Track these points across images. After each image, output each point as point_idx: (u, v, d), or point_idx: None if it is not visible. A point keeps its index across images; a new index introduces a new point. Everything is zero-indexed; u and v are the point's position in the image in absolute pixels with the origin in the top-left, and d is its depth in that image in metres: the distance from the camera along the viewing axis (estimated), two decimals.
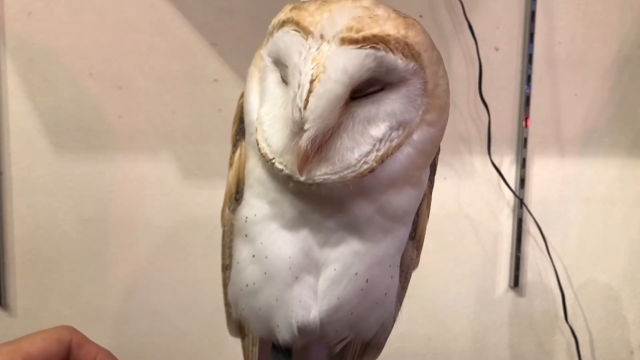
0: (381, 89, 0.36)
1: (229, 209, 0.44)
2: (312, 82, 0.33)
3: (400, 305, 0.47)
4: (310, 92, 0.33)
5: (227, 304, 0.48)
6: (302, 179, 0.35)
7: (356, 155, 0.36)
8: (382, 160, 0.36)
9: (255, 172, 0.40)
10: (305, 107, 0.33)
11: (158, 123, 0.98)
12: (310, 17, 0.35)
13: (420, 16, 1.04)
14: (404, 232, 0.41)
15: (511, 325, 1.14)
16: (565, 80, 1.09)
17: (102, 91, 0.97)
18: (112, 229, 0.99)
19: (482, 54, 1.04)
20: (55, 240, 0.98)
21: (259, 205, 0.40)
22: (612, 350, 1.18)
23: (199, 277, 1.00)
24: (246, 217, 0.41)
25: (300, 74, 0.33)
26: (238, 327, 0.50)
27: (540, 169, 1.11)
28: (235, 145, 0.44)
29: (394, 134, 0.36)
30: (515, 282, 1.11)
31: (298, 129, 0.34)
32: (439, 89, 0.37)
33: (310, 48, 0.34)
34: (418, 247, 0.47)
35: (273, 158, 0.37)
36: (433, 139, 0.38)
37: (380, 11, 0.35)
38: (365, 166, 0.36)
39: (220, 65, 0.98)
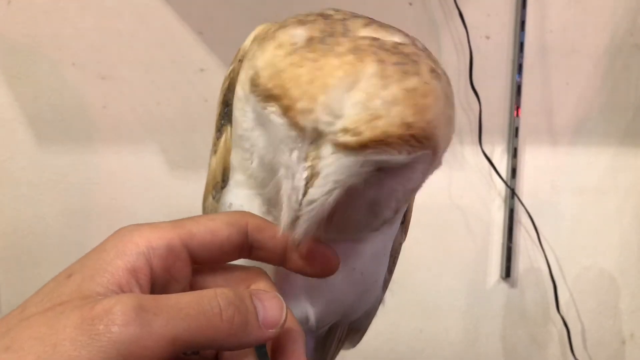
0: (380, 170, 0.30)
1: (214, 198, 0.42)
2: (306, 185, 0.29)
3: (386, 289, 0.47)
4: (304, 195, 0.29)
5: None
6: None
7: (359, 235, 0.35)
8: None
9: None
10: (300, 210, 0.29)
11: (143, 114, 0.96)
12: (301, 101, 0.28)
13: (410, 4, 1.02)
14: (398, 224, 0.41)
15: (503, 316, 1.14)
16: (557, 68, 1.08)
17: (84, 81, 0.95)
18: (96, 221, 0.97)
19: (473, 42, 1.03)
20: (38, 233, 0.96)
21: (240, 193, 0.38)
22: (604, 340, 1.17)
23: None
24: (230, 203, 0.39)
25: (294, 178, 0.29)
26: None
27: (532, 159, 1.09)
28: (219, 130, 0.42)
29: (402, 203, 0.34)
30: (507, 273, 1.10)
31: (289, 227, 0.31)
32: (446, 150, 0.33)
33: (302, 144, 0.29)
34: (405, 230, 0.46)
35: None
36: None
37: (387, 90, 0.27)
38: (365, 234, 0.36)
39: (206, 54, 0.96)
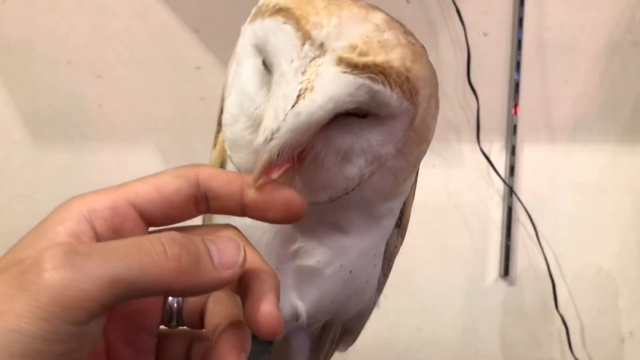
0: (363, 116, 0.32)
1: None
2: (298, 96, 0.29)
3: (381, 291, 0.47)
4: (292, 106, 0.29)
5: None
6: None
7: (325, 195, 0.33)
8: (347, 193, 0.34)
9: None
10: (284, 120, 0.29)
11: (139, 112, 0.96)
12: (316, 16, 0.30)
13: (408, 1, 1.02)
14: (390, 222, 0.40)
15: (502, 314, 1.14)
16: (555, 66, 1.08)
17: (81, 80, 0.95)
18: None
19: (471, 39, 1.02)
20: None
21: None
22: (603, 338, 1.17)
23: None
24: None
25: (288, 85, 0.29)
26: None
27: (530, 157, 1.09)
28: (220, 124, 0.43)
29: (366, 169, 0.33)
30: (506, 271, 1.10)
31: (268, 137, 0.30)
32: (425, 123, 0.34)
33: (304, 57, 0.29)
34: (402, 234, 0.45)
35: (230, 156, 0.35)
36: (408, 166, 0.35)
37: (391, 35, 0.30)
38: (333, 198, 0.34)
39: (202, 52, 0.96)
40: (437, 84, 0.34)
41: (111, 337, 0.31)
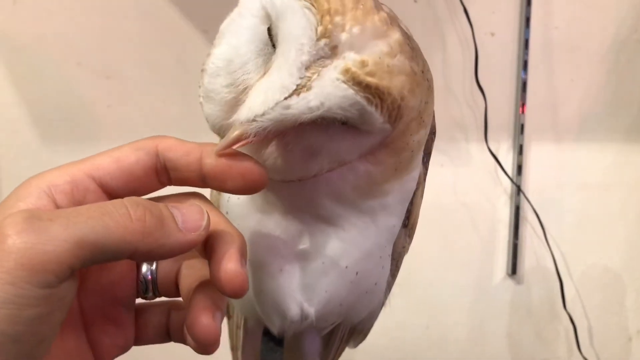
0: (343, 123, 0.31)
1: (216, 192, 0.43)
2: (294, 90, 0.28)
3: (390, 291, 0.47)
4: (285, 99, 0.29)
5: None
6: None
7: (278, 177, 0.33)
8: (300, 180, 0.34)
9: None
10: (272, 108, 0.29)
11: (148, 113, 0.96)
12: (341, 18, 0.28)
13: (415, 1, 1.02)
14: (393, 223, 0.40)
15: (509, 313, 1.14)
16: (562, 65, 1.08)
17: (90, 81, 0.95)
18: None
19: (478, 39, 1.03)
20: None
21: None
22: (610, 337, 1.17)
23: None
24: (228, 198, 0.39)
25: (289, 77, 0.29)
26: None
27: (538, 156, 1.09)
28: None
29: (326, 167, 0.33)
30: (513, 269, 1.10)
31: (250, 118, 0.29)
32: (402, 140, 0.34)
33: (315, 54, 0.28)
34: (410, 235, 0.45)
35: (202, 104, 0.34)
36: (380, 171, 0.35)
37: (399, 61, 0.30)
38: (285, 180, 0.34)
39: None
40: (427, 107, 0.34)
41: (88, 313, 0.31)
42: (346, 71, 0.28)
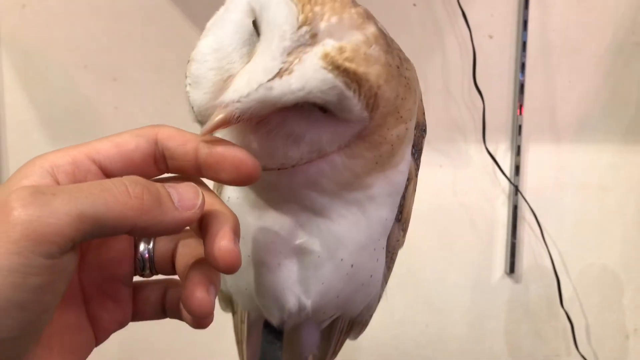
0: (324, 111, 0.33)
1: (217, 190, 0.45)
2: (276, 73, 0.30)
3: (386, 283, 0.48)
4: (268, 81, 0.30)
5: None
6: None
7: (261, 162, 0.33)
8: (279, 169, 0.35)
9: None
10: (255, 90, 0.30)
11: (153, 113, 0.98)
12: (321, 8, 0.31)
13: (414, 4, 1.04)
14: (385, 215, 0.41)
15: (507, 311, 1.15)
16: (560, 67, 1.10)
17: (96, 83, 0.98)
18: None
19: (476, 42, 1.04)
20: None
21: (238, 187, 0.41)
22: (607, 335, 1.19)
23: None
24: (228, 197, 0.41)
25: (272, 60, 0.30)
26: (228, 303, 0.51)
27: (535, 156, 1.11)
28: None
29: (306, 156, 0.34)
30: (511, 268, 1.12)
31: (234, 99, 0.31)
32: (379, 135, 0.36)
33: (297, 40, 0.30)
34: (404, 229, 0.47)
35: (189, 92, 0.35)
36: (353, 167, 0.36)
37: (375, 51, 0.32)
38: (266, 168, 0.34)
39: None
40: (404, 102, 0.36)
41: (88, 289, 0.32)
42: (325, 56, 0.30)
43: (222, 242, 0.29)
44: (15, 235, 0.24)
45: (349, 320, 0.49)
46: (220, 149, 0.31)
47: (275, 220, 0.39)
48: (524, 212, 1.11)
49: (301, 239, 0.39)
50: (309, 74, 0.30)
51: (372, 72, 0.31)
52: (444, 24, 1.05)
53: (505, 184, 1.11)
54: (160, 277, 0.35)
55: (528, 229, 1.12)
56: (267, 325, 0.47)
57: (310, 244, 0.40)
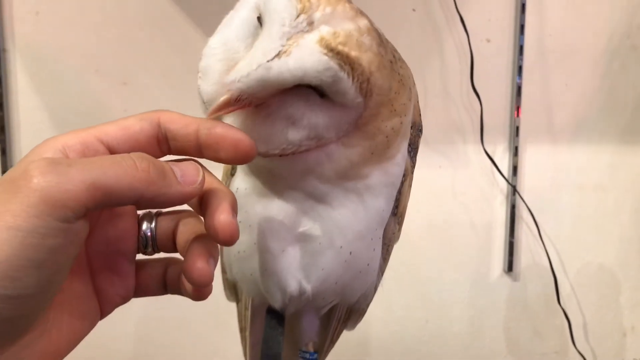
0: (321, 95, 0.35)
1: (225, 183, 0.48)
2: (275, 55, 0.32)
3: (382, 274, 0.51)
4: (267, 61, 0.33)
5: (223, 270, 0.52)
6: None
7: (263, 147, 0.36)
8: (280, 155, 0.37)
9: None
10: (255, 69, 0.33)
11: None
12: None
13: (414, 10, 1.07)
14: (382, 207, 0.44)
15: (506, 308, 1.18)
16: (556, 70, 1.12)
17: (107, 87, 1.01)
18: None
19: (474, 45, 1.07)
20: None
21: (246, 179, 0.44)
22: (605, 332, 1.21)
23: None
24: (237, 188, 0.44)
25: (271, 43, 0.33)
26: (233, 291, 0.54)
27: (533, 157, 1.14)
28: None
29: (305, 142, 0.37)
30: (510, 267, 1.15)
31: (236, 78, 0.33)
32: (373, 125, 0.38)
33: (295, 27, 0.33)
34: (400, 222, 0.50)
35: (199, 85, 0.38)
36: (350, 156, 0.39)
37: (367, 40, 0.35)
38: (269, 153, 0.37)
39: None
40: (398, 97, 0.39)
41: (95, 263, 0.35)
42: (321, 39, 0.33)
43: (222, 216, 0.32)
44: (34, 200, 0.26)
45: (346, 309, 0.52)
46: (219, 130, 0.33)
47: (280, 209, 0.42)
48: (522, 212, 1.14)
49: (304, 226, 0.42)
50: (305, 56, 0.32)
51: (364, 57, 0.34)
52: (443, 29, 1.08)
53: (503, 184, 1.13)
54: (162, 255, 0.38)
55: (526, 228, 1.15)
56: (269, 311, 0.50)
57: (313, 231, 0.42)
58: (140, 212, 0.37)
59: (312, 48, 0.33)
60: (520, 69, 1.10)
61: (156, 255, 0.38)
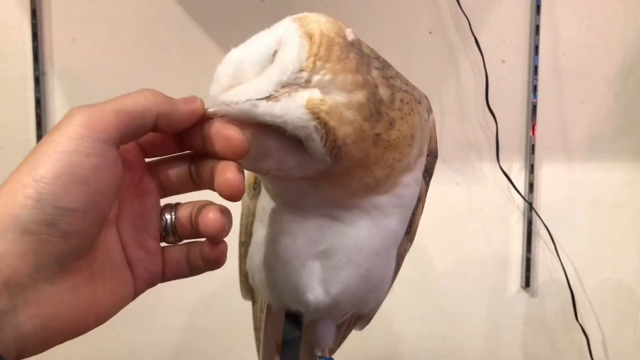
0: (296, 140, 0.38)
1: (248, 196, 0.52)
2: (267, 97, 0.36)
3: (392, 284, 0.54)
4: (257, 99, 0.36)
5: (242, 274, 0.56)
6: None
7: (245, 163, 0.39)
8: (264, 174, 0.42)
9: None
10: (244, 101, 0.36)
11: None
12: (322, 63, 0.36)
13: (430, 32, 1.11)
14: (395, 227, 0.47)
15: (524, 324, 1.19)
16: (571, 89, 1.15)
17: None
18: None
19: (489, 66, 1.10)
20: None
21: (270, 199, 0.48)
22: (624, 349, 1.21)
23: (226, 274, 1.07)
24: (263, 207, 0.49)
25: (268, 85, 0.36)
26: (250, 293, 0.58)
27: (549, 174, 1.16)
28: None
29: (273, 173, 0.40)
30: (527, 282, 1.16)
31: (226, 101, 0.36)
32: (343, 180, 0.41)
33: (295, 79, 0.36)
34: (411, 239, 0.53)
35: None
36: (330, 194, 0.43)
37: (352, 114, 0.37)
38: (247, 169, 0.40)
39: None
40: (380, 161, 0.41)
41: (124, 238, 0.38)
42: (309, 100, 0.36)
43: (229, 174, 0.36)
44: (77, 128, 0.32)
45: (356, 316, 0.56)
46: (215, 125, 0.37)
47: (301, 227, 0.46)
48: (539, 228, 1.16)
49: (324, 244, 0.46)
50: (291, 108, 0.36)
51: (342, 130, 0.37)
52: (458, 50, 1.12)
53: (519, 201, 1.15)
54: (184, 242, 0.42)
55: (543, 244, 1.16)
56: (288, 315, 0.53)
57: (332, 249, 0.46)
58: (162, 202, 0.40)
59: (299, 104, 0.36)
60: (535, 88, 1.13)
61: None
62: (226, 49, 0.42)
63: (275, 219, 0.47)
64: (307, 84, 0.36)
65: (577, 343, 1.18)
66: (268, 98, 0.36)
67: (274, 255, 0.48)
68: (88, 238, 0.33)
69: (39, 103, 1.05)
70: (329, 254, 0.46)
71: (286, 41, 0.38)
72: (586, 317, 1.18)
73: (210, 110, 0.37)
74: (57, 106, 1.06)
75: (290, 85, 0.36)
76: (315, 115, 0.36)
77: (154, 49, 1.07)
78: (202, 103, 0.37)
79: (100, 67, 1.06)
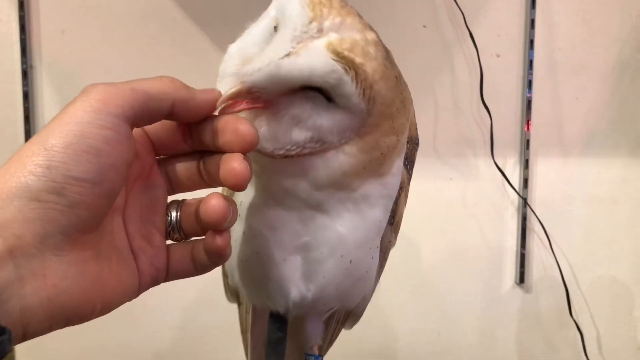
0: (327, 98, 0.37)
1: (224, 191, 0.50)
2: (286, 55, 0.35)
3: (379, 280, 0.53)
4: (283, 58, 0.35)
5: (225, 275, 0.55)
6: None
7: (270, 146, 0.39)
8: (285, 156, 0.40)
9: None
10: (267, 65, 0.35)
11: None
12: (328, 10, 0.37)
13: (424, 26, 1.10)
14: (379, 217, 0.46)
15: (518, 320, 1.19)
16: (566, 84, 1.14)
17: None
18: None
19: (484, 60, 1.10)
20: None
21: (249, 192, 0.46)
22: (618, 346, 1.21)
23: (219, 270, 1.06)
24: (241, 202, 0.47)
25: (283, 44, 0.36)
26: (234, 295, 0.57)
27: (543, 170, 1.15)
28: None
29: (308, 145, 0.39)
30: (521, 278, 1.15)
31: (249, 72, 0.36)
32: (373, 137, 0.40)
33: (305, 32, 0.36)
34: (395, 231, 0.52)
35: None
36: (344, 166, 0.41)
37: (373, 51, 0.37)
38: (274, 153, 0.39)
39: None
40: (399, 115, 0.41)
41: (130, 230, 0.38)
42: (329, 44, 0.36)
43: (235, 163, 0.36)
44: (92, 102, 0.32)
45: (345, 312, 0.54)
46: (227, 117, 0.37)
47: (281, 220, 0.44)
48: (533, 224, 1.15)
49: (306, 237, 0.44)
50: (313, 57, 0.35)
51: (369, 65, 0.37)
52: (453, 44, 1.11)
53: (514, 197, 1.15)
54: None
55: (537, 240, 1.16)
56: (272, 315, 0.52)
57: (314, 241, 0.44)
58: (168, 199, 0.40)
59: (320, 51, 0.35)
60: (530, 83, 1.12)
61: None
62: (218, 42, 0.41)
63: (253, 213, 0.46)
64: (319, 33, 0.36)
65: (571, 339, 1.18)
66: (288, 55, 0.35)
67: (253, 251, 0.46)
68: (95, 211, 0.33)
69: (27, 97, 1.04)
70: (311, 247, 0.45)
71: (286, 4, 0.38)
72: (580, 313, 1.18)
73: (233, 89, 0.36)
74: (46, 100, 1.05)
75: (304, 39, 0.36)
76: (340, 55, 0.36)
77: (145, 42, 1.05)
78: (220, 94, 0.37)
79: (90, 60, 1.05)
